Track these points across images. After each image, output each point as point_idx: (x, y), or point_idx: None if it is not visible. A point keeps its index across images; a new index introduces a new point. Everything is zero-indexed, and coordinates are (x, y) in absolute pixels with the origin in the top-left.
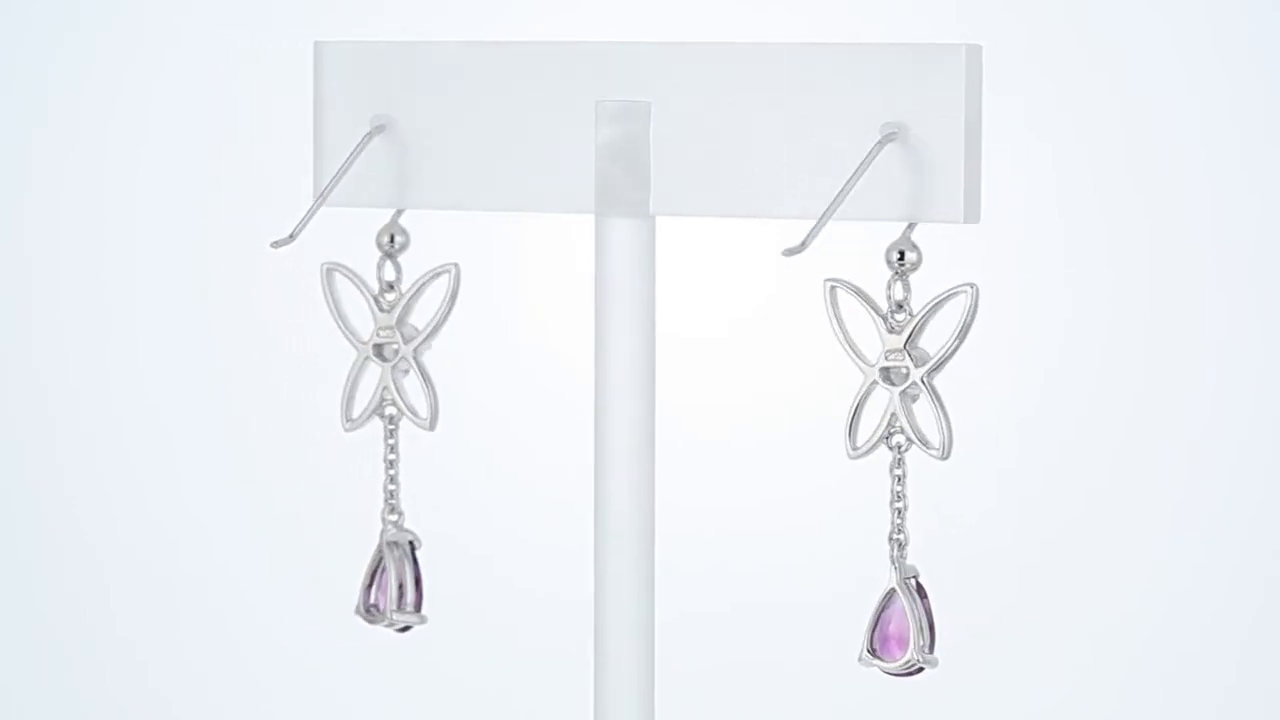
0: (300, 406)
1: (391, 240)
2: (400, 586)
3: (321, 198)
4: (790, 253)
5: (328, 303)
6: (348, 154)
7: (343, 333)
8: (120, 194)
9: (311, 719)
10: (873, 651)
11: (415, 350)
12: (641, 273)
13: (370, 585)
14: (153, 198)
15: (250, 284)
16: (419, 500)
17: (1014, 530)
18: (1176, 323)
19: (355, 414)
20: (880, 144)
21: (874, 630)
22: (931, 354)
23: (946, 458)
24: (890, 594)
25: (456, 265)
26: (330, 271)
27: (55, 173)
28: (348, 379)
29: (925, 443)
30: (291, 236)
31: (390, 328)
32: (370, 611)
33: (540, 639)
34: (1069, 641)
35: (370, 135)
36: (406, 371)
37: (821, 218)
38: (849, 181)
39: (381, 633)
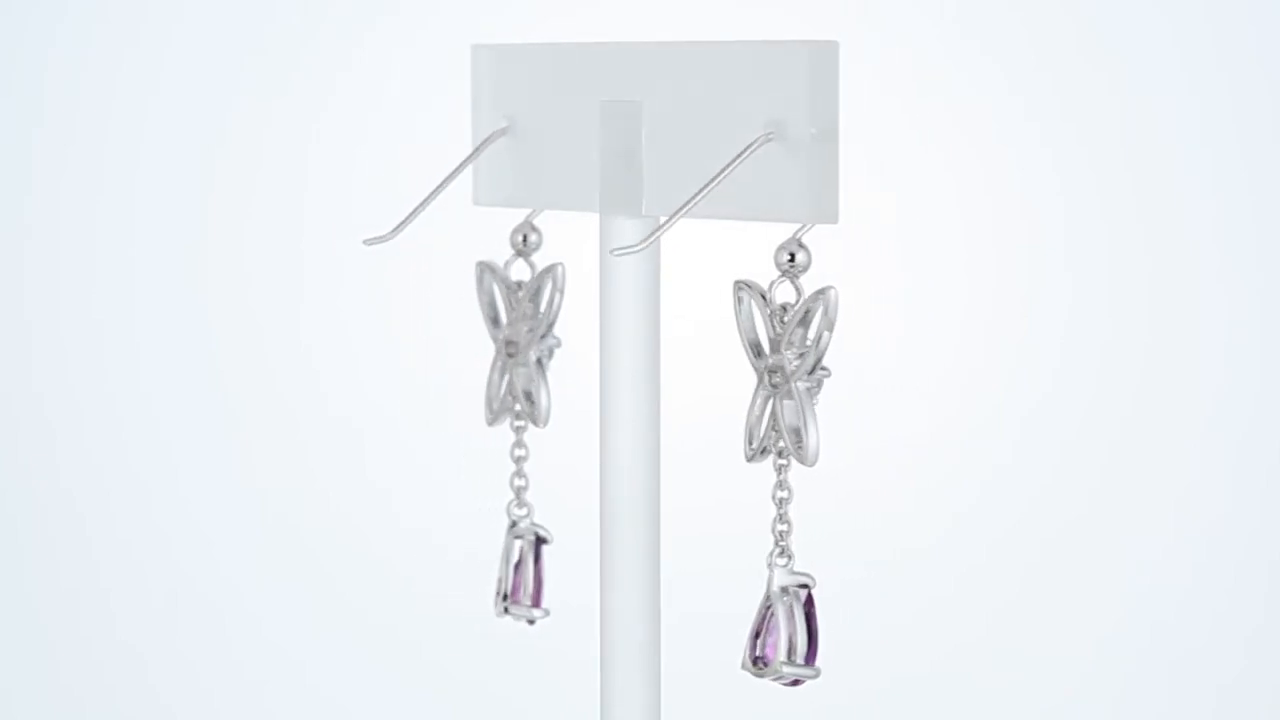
0: (300, 406)
1: (525, 240)
2: (528, 580)
3: (431, 197)
4: (622, 252)
5: (480, 300)
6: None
7: (489, 331)
8: (120, 194)
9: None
10: (754, 661)
11: (545, 347)
12: (645, 272)
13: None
14: (152, 198)
15: (250, 284)
16: (420, 501)
17: (1014, 530)
18: (1177, 322)
19: (495, 409)
20: (757, 144)
21: (754, 640)
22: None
23: (811, 464)
24: (768, 605)
25: (561, 264)
26: (482, 270)
27: (55, 173)
28: (489, 376)
29: (797, 446)
30: (392, 233)
31: (522, 325)
32: (506, 601)
33: (542, 639)
34: (1069, 641)
35: (493, 137)
36: (543, 368)
37: (672, 216)
38: (708, 183)
39: (382, 634)
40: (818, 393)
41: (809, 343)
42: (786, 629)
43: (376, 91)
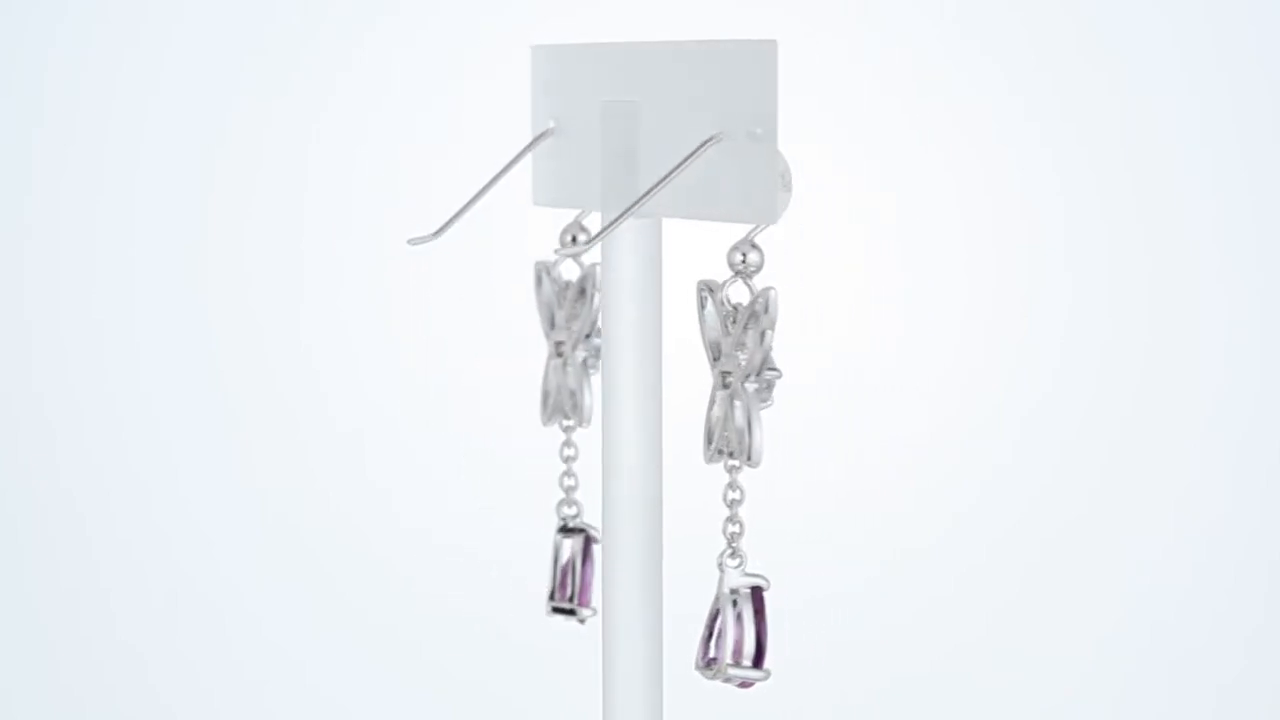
0: (300, 406)
1: (574, 240)
2: (577, 579)
3: (476, 197)
4: (565, 253)
5: (538, 301)
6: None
7: (545, 333)
8: (120, 194)
9: None
10: (706, 663)
11: (591, 347)
12: (648, 272)
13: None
14: (152, 198)
15: (250, 284)
16: (420, 501)
17: (1014, 530)
18: (1177, 322)
19: (550, 409)
20: (706, 145)
21: (704, 641)
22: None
23: (755, 465)
24: (718, 607)
25: (596, 265)
26: (540, 271)
27: (55, 173)
28: (544, 377)
29: (741, 446)
30: (435, 234)
31: (570, 325)
32: (554, 600)
33: (543, 639)
34: (1069, 641)
35: (541, 137)
36: (593, 368)
37: (618, 217)
38: (657, 184)
39: (382, 633)
40: (768, 394)
41: (753, 348)
42: (734, 631)
43: (376, 91)
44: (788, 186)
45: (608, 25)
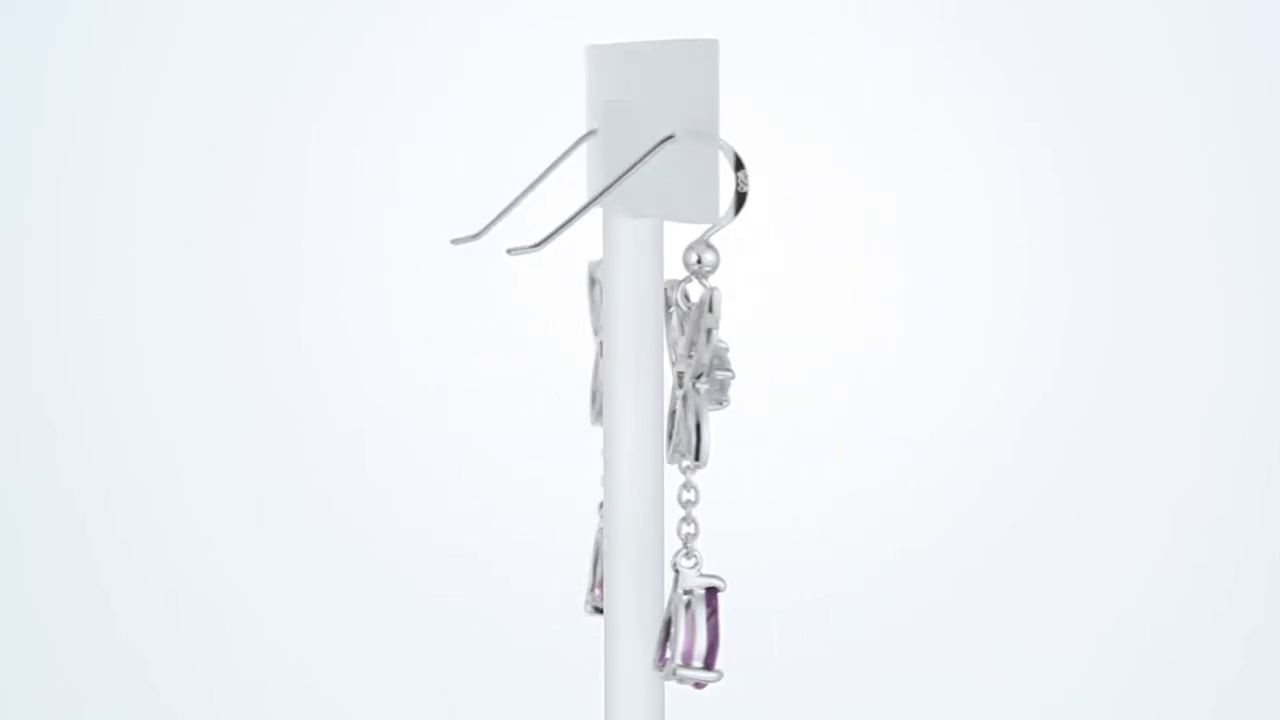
0: (300, 406)
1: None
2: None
3: (520, 198)
4: (518, 251)
5: (590, 303)
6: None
7: (594, 335)
8: (120, 194)
9: None
10: (662, 663)
11: None
12: (649, 272)
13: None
14: (152, 198)
15: (250, 284)
16: (420, 501)
17: (1014, 530)
18: (1177, 322)
19: (598, 408)
20: (659, 146)
21: (661, 642)
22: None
23: (702, 465)
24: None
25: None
26: (593, 269)
27: (55, 173)
28: (594, 376)
29: (688, 446)
30: (478, 235)
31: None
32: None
33: (543, 639)
34: (1069, 641)
35: (583, 139)
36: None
37: (572, 217)
38: (611, 185)
39: (382, 634)
40: (721, 394)
41: (701, 348)
42: (685, 632)
43: (376, 91)
44: (743, 185)
45: (607, 26)
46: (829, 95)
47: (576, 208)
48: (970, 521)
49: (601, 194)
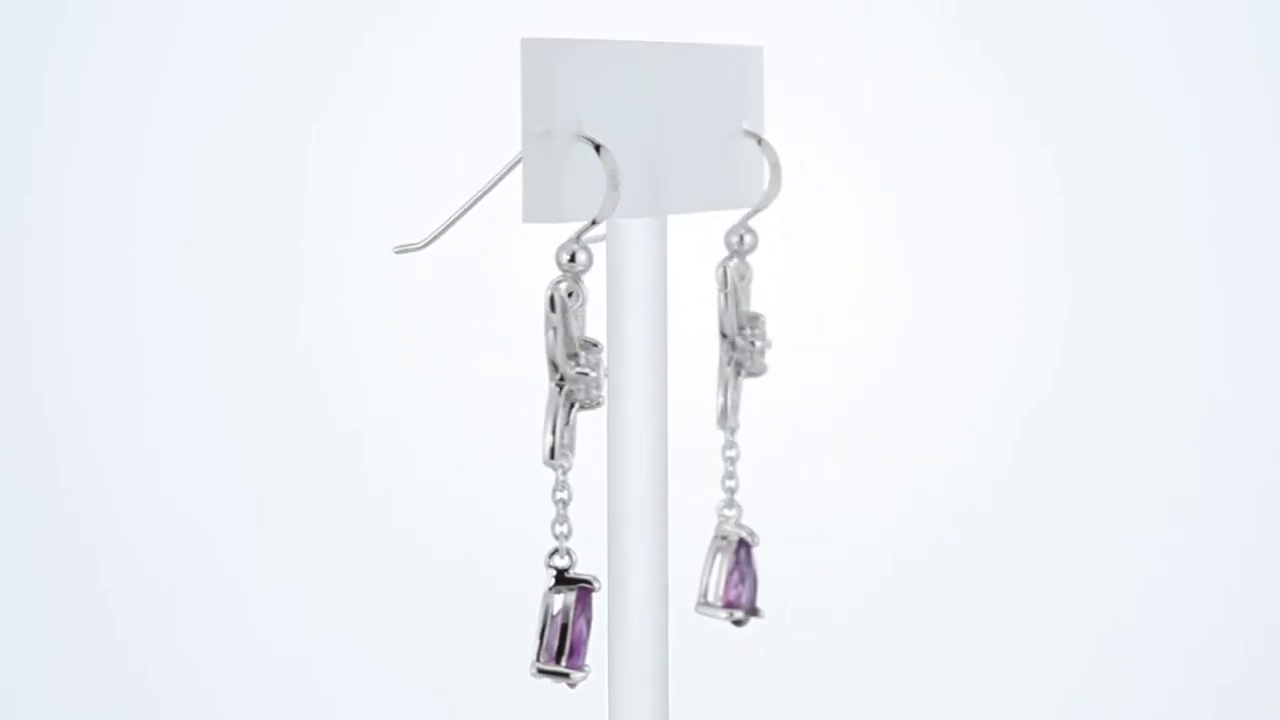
0: (300, 407)
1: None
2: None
3: (467, 208)
4: (404, 249)
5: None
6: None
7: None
8: (120, 194)
9: None
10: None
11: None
12: (654, 273)
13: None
14: (152, 198)
15: (250, 284)
16: (420, 502)
17: (1014, 530)
18: (1177, 322)
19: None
20: (515, 162)
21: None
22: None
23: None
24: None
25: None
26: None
27: (55, 173)
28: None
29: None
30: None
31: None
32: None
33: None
34: (1069, 641)
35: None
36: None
37: (453, 217)
38: (481, 191)
39: (382, 634)
40: (574, 392)
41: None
42: (543, 631)
43: (376, 91)
44: (615, 186)
45: (608, 25)
46: (829, 95)
47: (462, 207)
48: (969, 521)
49: (481, 194)
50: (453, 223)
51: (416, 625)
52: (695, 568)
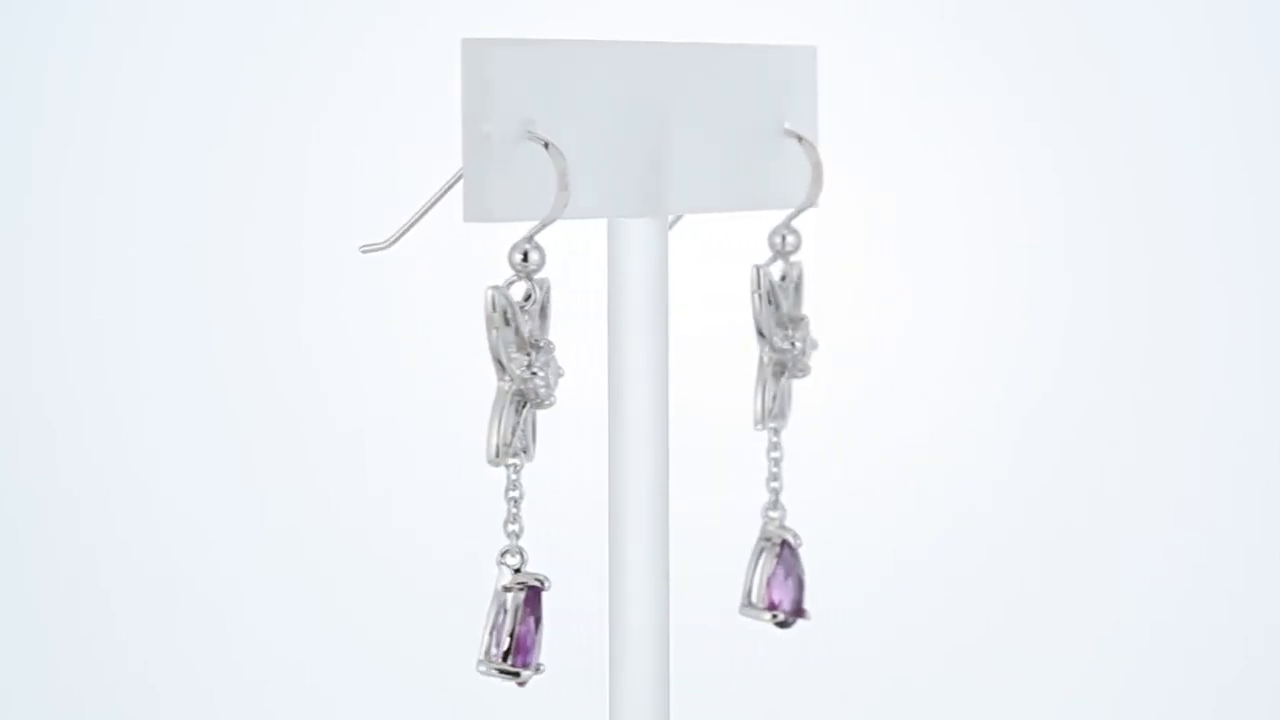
0: (300, 406)
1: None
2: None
3: (428, 205)
4: (369, 249)
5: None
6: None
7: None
8: (120, 194)
9: None
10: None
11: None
12: (656, 274)
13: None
14: (152, 198)
15: (250, 284)
16: (420, 502)
17: (1014, 530)
18: (1177, 322)
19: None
20: (454, 180)
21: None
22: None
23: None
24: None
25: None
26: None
27: (55, 173)
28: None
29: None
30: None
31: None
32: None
33: (549, 643)
34: (1069, 641)
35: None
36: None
37: (416, 215)
38: (430, 201)
39: (382, 634)
40: (525, 392)
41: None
42: (492, 629)
43: (376, 91)
44: (564, 186)
45: (606, 25)
46: (829, 95)
47: (422, 206)
48: (969, 521)
49: (445, 189)
50: (416, 221)
51: (416, 625)
52: (695, 568)
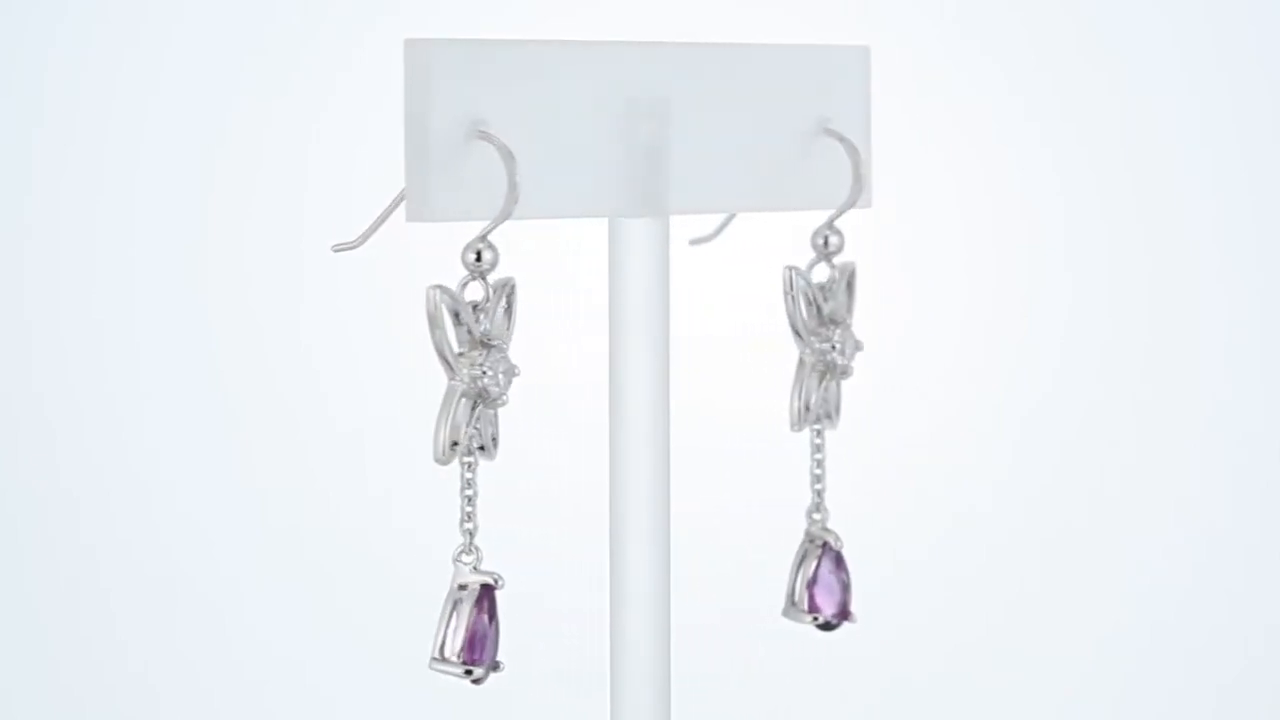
0: (300, 406)
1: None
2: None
3: (393, 206)
4: (341, 248)
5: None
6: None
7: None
8: (120, 194)
9: None
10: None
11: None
12: (657, 274)
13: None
14: (152, 198)
15: (250, 284)
16: (420, 502)
17: (1014, 531)
18: (1177, 322)
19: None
20: (399, 200)
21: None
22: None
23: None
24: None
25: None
26: (793, 275)
27: (55, 173)
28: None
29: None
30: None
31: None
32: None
33: (545, 641)
34: (1069, 641)
35: (400, 199)
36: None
37: (381, 217)
38: (386, 208)
39: (382, 634)
40: (472, 391)
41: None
42: (442, 627)
43: (376, 91)
44: (513, 185)
45: (609, 25)
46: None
47: (388, 206)
48: (969, 521)
49: (398, 199)
50: (383, 219)
51: (416, 625)
52: (695, 568)
